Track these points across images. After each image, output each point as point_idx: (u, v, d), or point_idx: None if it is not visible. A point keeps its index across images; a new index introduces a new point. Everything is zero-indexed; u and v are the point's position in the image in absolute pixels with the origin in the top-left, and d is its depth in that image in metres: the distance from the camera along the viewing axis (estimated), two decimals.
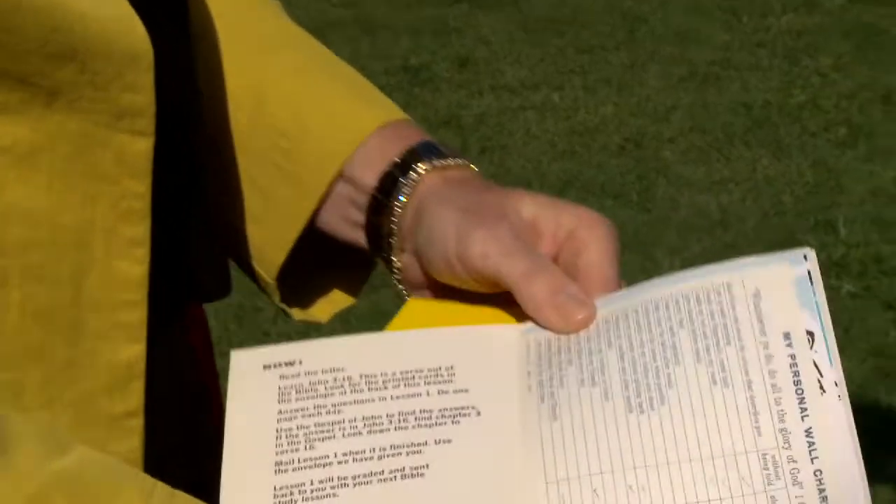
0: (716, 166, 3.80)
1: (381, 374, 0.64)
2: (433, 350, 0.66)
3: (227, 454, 0.60)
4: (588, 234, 0.66)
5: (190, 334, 0.78)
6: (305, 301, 0.79)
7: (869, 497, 0.56)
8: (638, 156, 3.96)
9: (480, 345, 0.67)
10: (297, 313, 0.79)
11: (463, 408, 0.63)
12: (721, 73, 4.44)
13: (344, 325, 2.29)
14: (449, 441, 0.62)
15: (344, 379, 0.63)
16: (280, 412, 0.62)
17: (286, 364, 0.64)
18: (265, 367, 0.64)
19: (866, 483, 0.56)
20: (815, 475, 0.56)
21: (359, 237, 0.74)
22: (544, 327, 0.65)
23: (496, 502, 0.61)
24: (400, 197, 0.70)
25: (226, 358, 0.63)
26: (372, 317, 2.36)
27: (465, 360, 0.65)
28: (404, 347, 0.66)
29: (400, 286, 0.74)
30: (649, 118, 4.36)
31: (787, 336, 0.59)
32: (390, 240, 0.71)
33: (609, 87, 4.70)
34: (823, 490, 0.56)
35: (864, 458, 0.56)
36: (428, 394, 0.64)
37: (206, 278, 0.76)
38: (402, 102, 0.83)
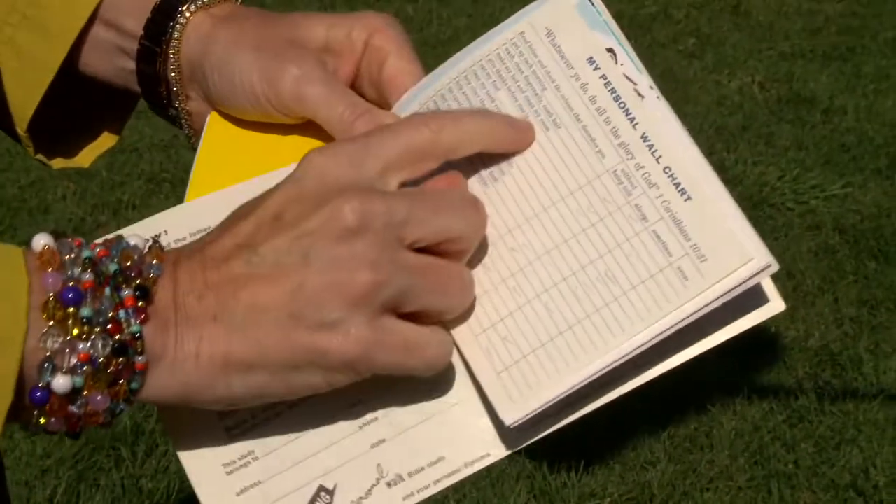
0: None
1: None
2: None
3: None
4: (382, 40, 0.66)
5: None
6: (66, 148, 0.77)
7: (714, 173, 0.57)
8: None
9: None
10: (57, 162, 0.77)
11: None
12: None
13: None
14: None
15: None
16: None
17: (153, 239, 0.63)
18: None
19: (709, 164, 0.58)
20: (666, 172, 0.58)
21: (134, 85, 0.72)
22: None
23: None
24: (173, 41, 0.68)
25: None
26: None
27: None
28: (257, 193, 0.64)
29: (188, 132, 0.72)
30: None
31: (591, 60, 0.61)
32: (174, 88, 0.69)
33: (464, 0, 4.68)
34: (678, 183, 0.57)
35: None
36: None
37: None
38: None
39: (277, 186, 0.55)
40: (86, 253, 0.51)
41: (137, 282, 0.52)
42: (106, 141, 0.79)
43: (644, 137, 0.58)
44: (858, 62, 4.01)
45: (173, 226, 0.64)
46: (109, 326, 0.50)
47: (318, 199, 0.54)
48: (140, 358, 0.51)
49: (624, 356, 0.56)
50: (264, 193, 0.55)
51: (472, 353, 0.59)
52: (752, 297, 0.58)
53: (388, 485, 0.59)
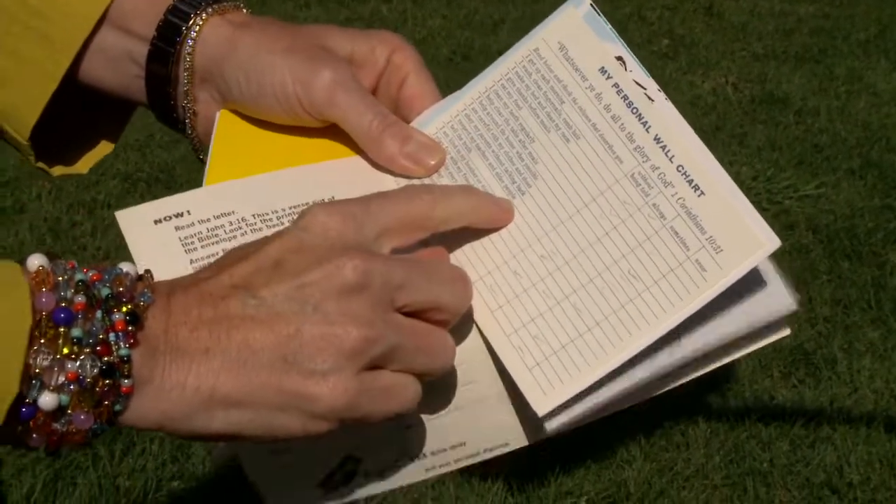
0: None
1: (273, 212, 0.65)
2: (309, 184, 0.67)
3: None
4: (402, 58, 0.69)
5: None
6: (65, 156, 0.78)
7: (720, 166, 0.61)
8: (465, 68, 3.97)
9: (351, 175, 0.68)
10: (57, 170, 0.78)
11: None
12: None
13: None
14: None
15: (239, 221, 0.64)
16: (192, 261, 0.62)
17: (175, 216, 0.64)
18: (156, 221, 0.64)
19: (715, 158, 0.61)
20: (679, 170, 0.61)
21: (136, 91, 0.73)
22: (400, 175, 0.68)
23: None
24: (188, 42, 0.69)
25: None
26: None
27: (344, 191, 0.66)
28: (281, 185, 0.67)
29: (191, 132, 0.73)
30: (477, 31, 4.37)
31: (603, 70, 0.64)
32: (184, 88, 0.71)
33: (438, 0, 4.68)
34: (692, 180, 0.61)
35: None
36: None
37: None
38: None
39: (278, 235, 0.57)
40: (79, 276, 0.52)
41: (129, 307, 0.53)
42: (103, 148, 0.80)
43: (657, 139, 0.62)
44: (831, 63, 4.04)
45: (197, 207, 0.65)
46: (99, 348, 0.51)
47: (319, 253, 0.56)
48: (126, 381, 0.52)
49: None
50: (263, 239, 0.57)
51: (504, 351, 0.62)
52: (773, 328, 0.64)
53: (412, 458, 0.64)
